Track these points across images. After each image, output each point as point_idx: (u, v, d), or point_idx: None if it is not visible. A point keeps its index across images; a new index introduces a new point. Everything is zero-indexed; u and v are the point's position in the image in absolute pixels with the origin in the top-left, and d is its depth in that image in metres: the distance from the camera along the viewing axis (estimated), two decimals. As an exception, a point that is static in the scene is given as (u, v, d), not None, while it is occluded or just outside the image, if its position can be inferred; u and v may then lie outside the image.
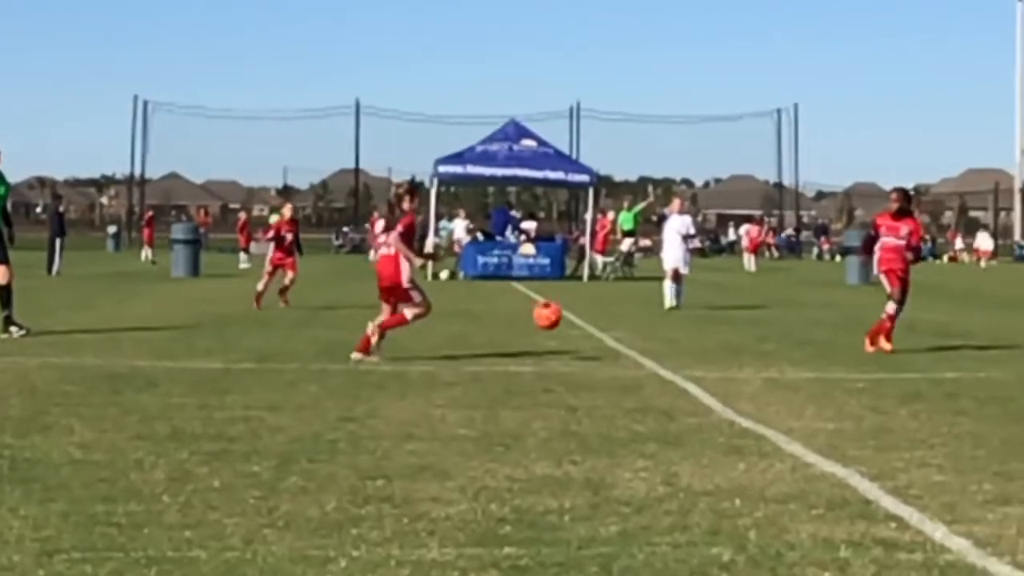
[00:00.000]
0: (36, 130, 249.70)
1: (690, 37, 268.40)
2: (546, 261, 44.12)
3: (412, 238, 16.68)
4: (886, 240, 18.77)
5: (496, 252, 44.27)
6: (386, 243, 16.72)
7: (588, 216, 47.72)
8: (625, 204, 51.99)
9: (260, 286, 26.66)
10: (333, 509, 7.85)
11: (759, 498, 8.31)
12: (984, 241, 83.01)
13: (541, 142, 47.01)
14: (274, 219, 29.40)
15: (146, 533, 7.20)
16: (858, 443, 10.54)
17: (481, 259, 43.79)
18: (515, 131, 46.79)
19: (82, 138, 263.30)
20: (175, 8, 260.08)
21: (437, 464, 9.35)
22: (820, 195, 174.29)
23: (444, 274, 42.24)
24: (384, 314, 16.57)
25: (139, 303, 28.20)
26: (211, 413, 11.63)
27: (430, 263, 34.53)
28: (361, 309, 23.64)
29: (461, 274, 43.31)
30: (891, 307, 18.42)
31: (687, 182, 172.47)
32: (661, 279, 28.43)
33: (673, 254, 27.76)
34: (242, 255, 57.04)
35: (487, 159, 45.27)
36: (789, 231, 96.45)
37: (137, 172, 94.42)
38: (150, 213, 71.57)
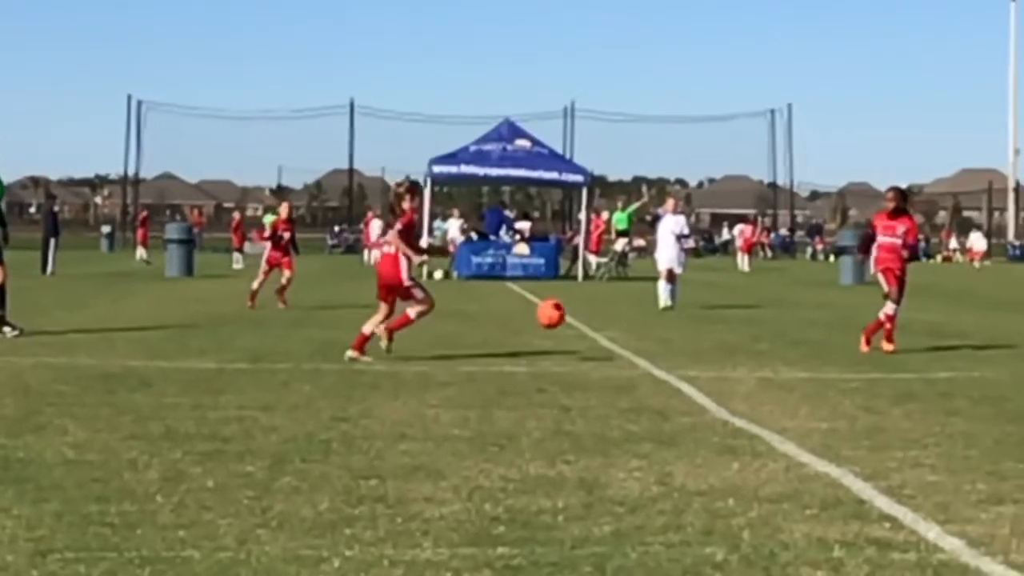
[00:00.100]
0: (30, 130, 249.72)
1: (684, 37, 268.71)
2: (540, 261, 44.14)
3: (412, 236, 16.70)
4: (882, 239, 18.79)
5: (490, 252, 44.30)
6: (387, 242, 16.77)
7: (582, 216, 47.74)
8: (619, 204, 52.05)
9: (255, 285, 26.66)
10: (327, 509, 7.85)
11: (753, 498, 8.31)
12: (977, 241, 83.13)
13: (535, 142, 47.04)
14: (268, 219, 29.46)
15: (140, 533, 7.20)
16: (852, 443, 10.54)
17: (475, 259, 43.81)
18: (509, 131, 46.81)
19: (76, 138, 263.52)
20: (169, 8, 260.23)
21: (431, 464, 9.34)
22: (814, 195, 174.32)
23: (438, 274, 42.24)
24: (380, 313, 16.58)
25: (133, 303, 28.19)
26: (205, 413, 11.63)
27: (425, 264, 34.48)
28: (355, 309, 23.65)
29: (455, 274, 43.31)
30: (890, 308, 18.42)
31: (681, 182, 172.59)
32: (655, 279, 28.45)
33: (667, 254, 27.78)
34: (236, 255, 56.99)
35: (481, 159, 45.28)
36: (783, 231, 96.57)
37: (131, 172, 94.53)
38: (144, 213, 71.45)
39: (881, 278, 18.80)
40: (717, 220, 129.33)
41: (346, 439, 10.39)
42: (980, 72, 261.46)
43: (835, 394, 13.66)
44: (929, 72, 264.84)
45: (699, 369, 15.74)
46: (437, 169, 44.80)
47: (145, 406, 12.04)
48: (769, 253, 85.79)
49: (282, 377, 14.41)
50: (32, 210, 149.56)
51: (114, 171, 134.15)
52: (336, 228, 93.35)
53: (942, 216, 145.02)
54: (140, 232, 63.48)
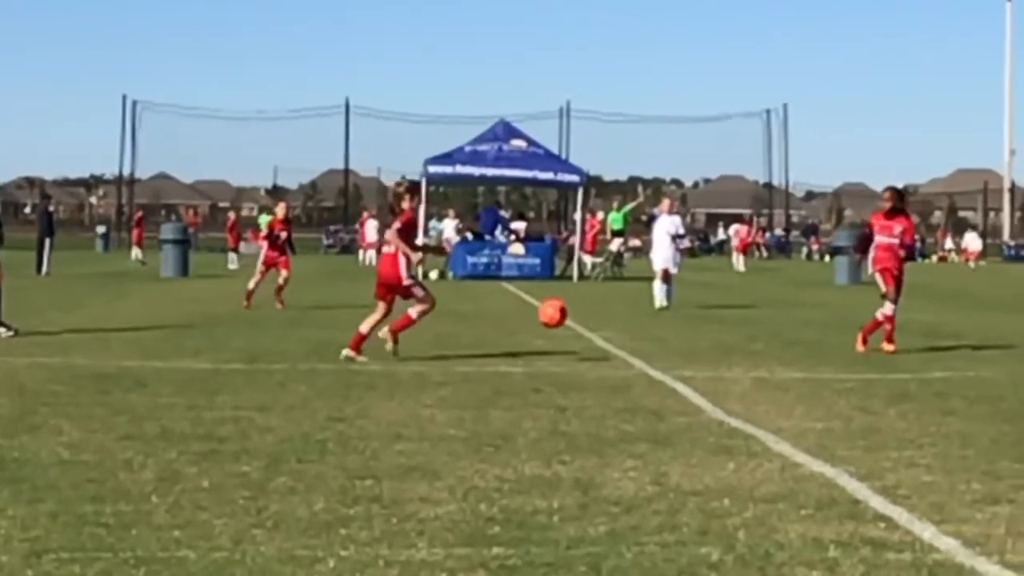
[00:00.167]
0: (25, 130, 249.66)
1: (680, 38, 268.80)
2: (535, 261, 44.15)
3: (410, 235, 16.72)
4: (880, 239, 18.80)
5: (485, 252, 44.30)
6: (386, 242, 16.81)
7: (577, 216, 47.75)
8: (615, 204, 52.12)
9: (251, 284, 26.66)
10: (322, 509, 7.85)
11: (748, 498, 8.31)
12: (973, 241, 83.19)
13: (531, 142, 47.03)
14: (263, 219, 29.47)
15: (135, 533, 7.19)
16: (847, 443, 10.54)
17: (470, 259, 43.81)
18: (505, 131, 46.80)
19: (71, 138, 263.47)
20: (165, 8, 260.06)
21: (426, 464, 9.34)
22: (809, 195, 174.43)
23: (433, 274, 42.23)
24: (378, 313, 16.60)
25: (128, 303, 28.18)
26: (200, 413, 11.62)
27: (420, 264, 34.48)
28: (351, 309, 23.65)
29: (450, 274, 43.30)
30: (888, 308, 18.42)
31: (676, 182, 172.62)
32: (650, 279, 28.46)
33: (663, 254, 27.79)
34: (231, 255, 56.99)
35: (477, 159, 45.27)
36: (778, 231, 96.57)
37: (126, 172, 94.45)
38: (139, 213, 71.49)
39: (879, 278, 18.80)
40: (713, 220, 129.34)
41: (342, 439, 10.38)
42: (976, 72, 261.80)
43: (830, 394, 13.66)
44: (925, 72, 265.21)
45: (695, 369, 15.74)
46: (433, 169, 44.78)
47: (140, 406, 12.04)
48: (764, 253, 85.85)
49: (278, 377, 14.41)
50: (27, 210, 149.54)
51: (109, 171, 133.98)
52: (331, 228, 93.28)
53: (938, 216, 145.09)
54: (135, 232, 63.49)
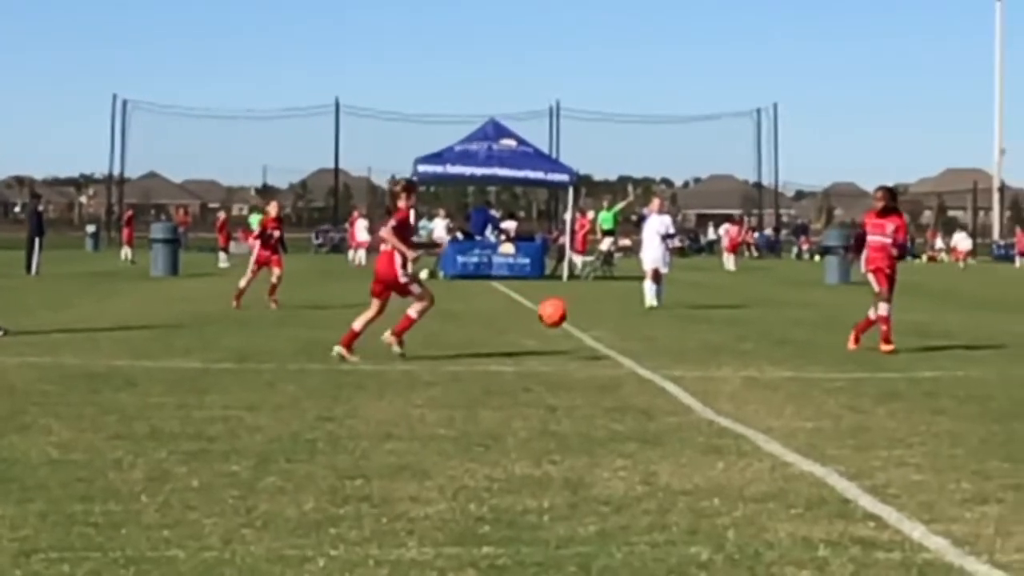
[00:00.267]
0: (15, 129, 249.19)
1: (670, 37, 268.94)
2: (526, 261, 44.15)
3: (405, 233, 16.75)
4: (872, 239, 18.82)
5: (476, 251, 44.31)
6: (382, 239, 16.84)
7: (568, 215, 47.74)
8: (605, 204, 52.09)
9: (243, 283, 26.65)
10: (311, 509, 7.84)
11: (738, 497, 8.32)
12: (962, 241, 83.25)
13: (521, 141, 47.02)
14: (253, 219, 29.46)
15: (124, 533, 7.19)
16: (837, 442, 10.55)
17: (461, 258, 43.80)
18: (495, 130, 46.79)
19: (61, 137, 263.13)
20: (155, 7, 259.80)
21: (416, 464, 9.34)
22: (799, 195, 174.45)
23: (424, 274, 42.17)
24: (372, 311, 16.63)
25: (118, 302, 28.15)
26: (190, 413, 11.61)
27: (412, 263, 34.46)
28: (341, 309, 23.66)
29: (440, 274, 43.28)
30: (883, 309, 18.42)
31: (667, 181, 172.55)
32: (641, 279, 28.48)
33: (653, 254, 27.83)
34: (221, 254, 56.93)
35: (467, 158, 45.25)
36: (768, 231, 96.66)
37: (116, 171, 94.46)
38: (129, 212, 71.44)
39: (871, 278, 18.80)
40: (703, 220, 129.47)
41: (331, 439, 10.38)
42: (966, 72, 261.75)
43: (820, 393, 13.67)
44: (915, 72, 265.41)
45: (684, 369, 15.75)
46: (422, 169, 44.74)
47: (130, 406, 12.03)
48: (755, 253, 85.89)
49: (267, 377, 14.40)
50: (17, 209, 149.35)
51: (99, 170, 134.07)
52: (321, 228, 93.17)
53: (927, 216, 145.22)
54: (125, 232, 63.46)
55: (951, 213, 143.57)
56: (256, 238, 28.62)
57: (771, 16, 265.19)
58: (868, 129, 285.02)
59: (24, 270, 41.11)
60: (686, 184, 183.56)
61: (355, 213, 67.33)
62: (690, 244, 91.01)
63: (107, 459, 9.35)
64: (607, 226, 47.41)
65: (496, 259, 43.94)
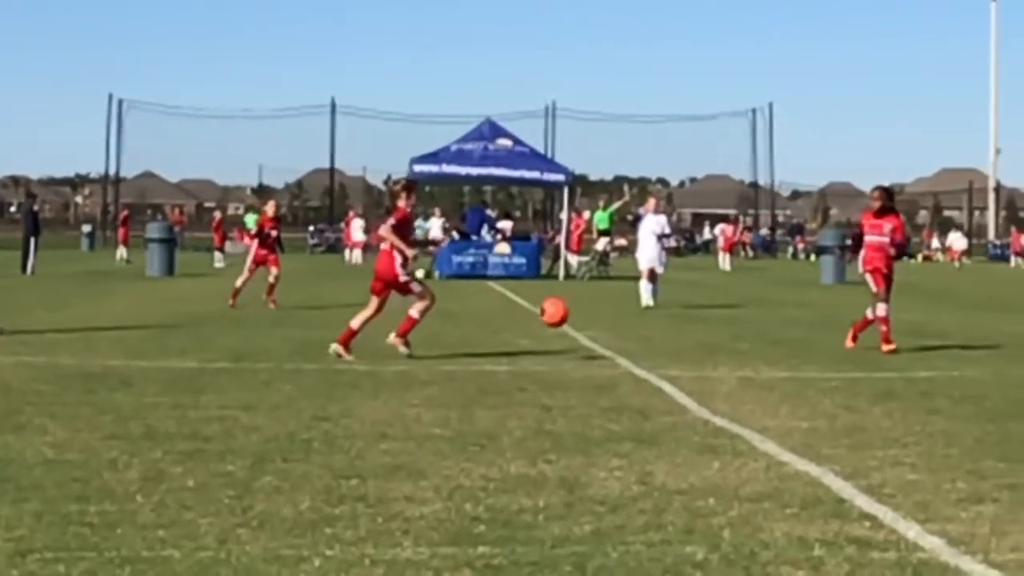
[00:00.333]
0: (10, 129, 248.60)
1: (666, 36, 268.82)
2: (521, 260, 44.15)
3: (405, 231, 16.78)
4: (869, 238, 18.83)
5: (471, 251, 44.30)
6: (382, 238, 16.89)
7: (563, 215, 47.75)
8: (600, 203, 52.08)
9: (239, 282, 26.63)
10: (307, 508, 7.84)
11: (733, 497, 8.32)
12: (957, 240, 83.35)
13: (517, 141, 47.01)
14: (249, 218, 29.46)
15: (119, 533, 7.19)
16: (832, 442, 10.56)
17: (456, 258, 43.79)
18: (491, 130, 46.79)
19: (57, 137, 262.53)
20: (150, 7, 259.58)
21: (411, 463, 9.34)
22: (795, 195, 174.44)
23: (419, 273, 42.14)
24: (370, 309, 16.66)
25: (114, 302, 28.14)
26: (185, 412, 11.61)
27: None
28: (336, 308, 23.66)
29: (436, 273, 43.27)
30: (881, 309, 18.41)
31: (662, 181, 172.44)
32: (636, 278, 28.48)
33: (648, 254, 27.84)
34: (217, 254, 56.92)
35: (462, 158, 45.25)
36: (764, 230, 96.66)
37: (112, 171, 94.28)
38: (125, 212, 71.35)
39: (869, 279, 18.80)
40: (698, 219, 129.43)
41: (327, 439, 10.38)
42: (961, 72, 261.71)
43: (815, 393, 13.67)
44: (910, 71, 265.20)
45: (680, 368, 15.75)
46: (418, 168, 44.71)
47: (125, 405, 12.02)
48: (750, 252, 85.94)
49: (263, 376, 14.40)
50: (12, 209, 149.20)
51: (95, 170, 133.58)
52: (312, 227, 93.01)
53: (923, 216, 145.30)
54: (121, 231, 63.41)
55: (947, 213, 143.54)
56: (254, 237, 28.64)
57: (767, 16, 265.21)
58: (864, 129, 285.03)
59: (20, 270, 41.09)
60: (682, 184, 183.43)
61: (351, 213, 67.35)
62: (686, 244, 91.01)
63: (103, 459, 9.34)
64: (603, 226, 47.41)
65: (492, 259, 43.95)
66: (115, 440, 10.15)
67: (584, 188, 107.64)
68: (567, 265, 45.37)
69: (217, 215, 66.39)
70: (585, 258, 46.69)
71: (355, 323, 16.51)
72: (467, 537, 7.21)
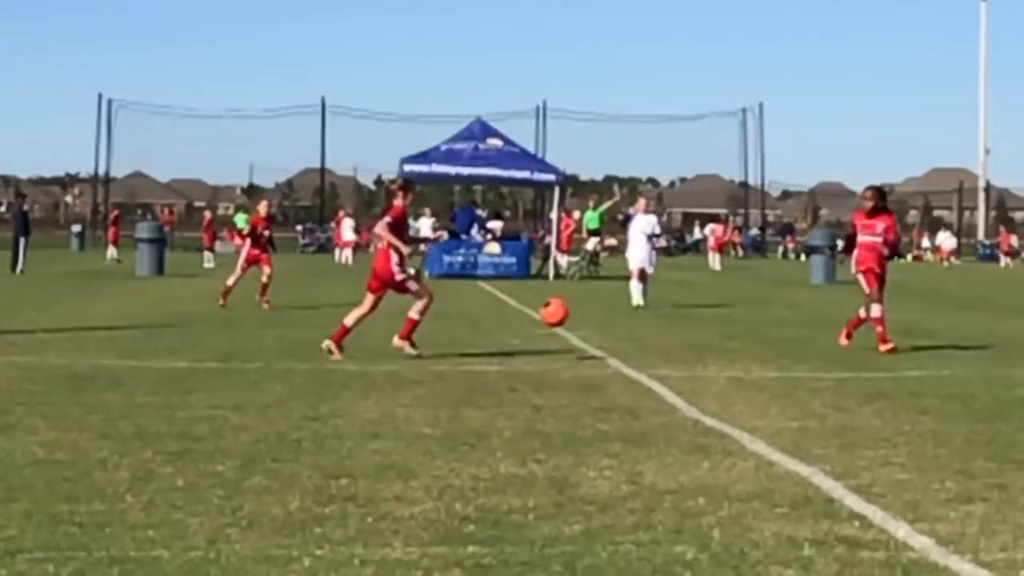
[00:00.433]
0: (0, 129, 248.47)
1: (656, 36, 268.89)
2: (512, 260, 44.15)
3: (400, 230, 16.83)
4: (862, 238, 18.84)
5: (462, 251, 44.29)
6: (377, 236, 16.96)
7: (554, 215, 47.75)
8: (591, 203, 52.08)
9: (231, 281, 26.60)
10: (297, 508, 7.84)
11: (723, 497, 8.33)
12: (946, 240, 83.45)
13: (507, 141, 47.02)
14: (239, 218, 29.44)
15: (109, 532, 7.18)
16: (822, 442, 10.57)
17: (447, 258, 43.77)
18: (481, 130, 46.79)
19: (46, 137, 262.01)
20: (140, 6, 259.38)
21: (401, 463, 9.34)
22: (785, 194, 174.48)
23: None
24: (364, 307, 16.68)
25: (103, 302, 28.10)
26: (175, 412, 11.60)
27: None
28: (327, 308, 23.65)
29: (426, 273, 43.25)
30: (876, 310, 18.41)
31: (653, 181, 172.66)
32: (626, 278, 28.50)
33: (639, 254, 27.87)
34: (207, 254, 56.84)
35: (453, 158, 45.24)
36: (754, 230, 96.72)
37: (102, 171, 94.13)
38: (115, 212, 71.31)
39: (861, 279, 18.81)
40: (689, 219, 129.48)
41: (317, 438, 10.38)
42: (951, 72, 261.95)
43: (805, 393, 13.69)
44: (900, 71, 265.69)
45: (670, 368, 15.76)
46: (408, 168, 44.67)
47: (115, 405, 12.01)
48: (740, 252, 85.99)
49: (253, 376, 14.39)
50: (2, 209, 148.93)
51: (84, 170, 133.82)
52: (300, 228, 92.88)
53: (913, 215, 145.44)
54: (111, 231, 63.37)
55: (937, 213, 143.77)
56: (245, 237, 28.61)
57: (757, 15, 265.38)
58: (854, 129, 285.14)
59: (9, 269, 41.05)
60: (672, 184, 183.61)
61: (341, 213, 67.29)
62: (676, 244, 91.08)
63: (92, 459, 9.34)
64: (593, 226, 47.42)
65: (482, 259, 43.95)
66: (105, 440, 10.14)
67: (574, 188, 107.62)
68: (557, 265, 45.38)
69: (207, 215, 66.31)
70: (575, 258, 46.69)
71: (349, 321, 16.54)
72: (457, 537, 7.21)
